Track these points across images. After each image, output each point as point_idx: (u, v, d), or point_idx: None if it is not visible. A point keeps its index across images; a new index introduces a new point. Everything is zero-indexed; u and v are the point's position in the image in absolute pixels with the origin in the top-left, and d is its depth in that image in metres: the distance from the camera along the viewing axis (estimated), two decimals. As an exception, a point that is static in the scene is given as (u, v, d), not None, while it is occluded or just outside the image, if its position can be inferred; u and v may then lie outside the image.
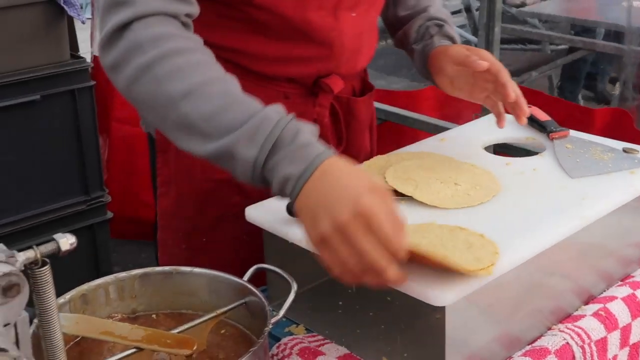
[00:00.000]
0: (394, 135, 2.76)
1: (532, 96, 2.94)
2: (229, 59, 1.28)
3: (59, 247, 0.86)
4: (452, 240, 1.08)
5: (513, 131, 1.53)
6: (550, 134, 1.47)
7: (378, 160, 1.36)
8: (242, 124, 1.03)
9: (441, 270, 1.02)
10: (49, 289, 0.86)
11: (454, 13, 5.72)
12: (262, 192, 1.12)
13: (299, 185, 0.99)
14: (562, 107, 2.88)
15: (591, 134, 1.50)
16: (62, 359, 0.91)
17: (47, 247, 0.85)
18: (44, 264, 0.85)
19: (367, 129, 1.57)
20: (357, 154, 1.51)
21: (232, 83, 1.09)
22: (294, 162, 1.00)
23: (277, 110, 1.05)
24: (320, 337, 1.20)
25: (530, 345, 1.15)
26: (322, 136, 1.22)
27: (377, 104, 2.80)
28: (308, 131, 1.04)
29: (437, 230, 1.11)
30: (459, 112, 2.81)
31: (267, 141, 1.02)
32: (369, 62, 1.52)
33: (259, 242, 1.25)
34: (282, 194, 1.03)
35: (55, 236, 0.86)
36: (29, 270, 0.85)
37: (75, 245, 0.86)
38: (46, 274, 0.85)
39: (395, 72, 6.16)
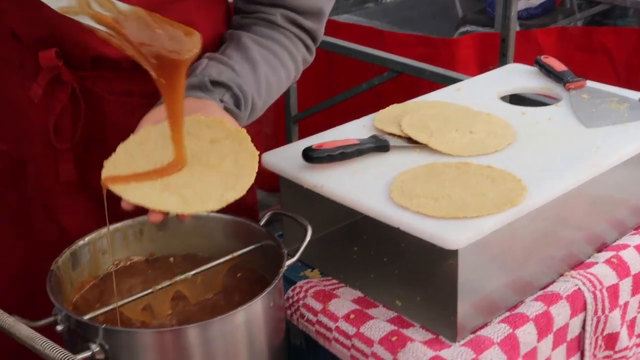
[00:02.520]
0: (413, 86, 2.76)
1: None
2: None
3: None
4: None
5: (529, 81, 1.53)
6: (567, 84, 1.46)
7: (394, 108, 1.36)
8: None
9: (454, 216, 1.04)
10: None
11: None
12: None
13: None
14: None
15: None
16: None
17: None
18: None
19: None
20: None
21: None
22: None
23: None
24: (334, 281, 1.22)
25: (542, 291, 1.17)
26: (57, 124, 1.21)
27: (390, 56, 2.82)
28: None
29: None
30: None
31: None
32: None
33: None
34: None
35: None
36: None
37: None
38: None
39: (411, 26, 6.10)
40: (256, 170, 1.02)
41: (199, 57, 1.20)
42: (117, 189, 0.99)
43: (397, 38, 3.38)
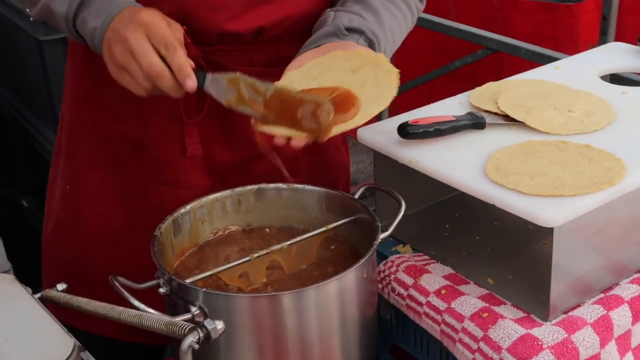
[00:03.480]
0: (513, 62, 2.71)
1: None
2: None
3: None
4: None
5: (631, 60, 1.49)
6: (671, 64, 1.42)
7: (490, 86, 1.35)
8: None
9: (551, 194, 1.03)
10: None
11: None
12: None
13: (101, 34, 1.12)
14: None
15: None
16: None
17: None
18: None
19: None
20: (240, 136, 1.32)
21: None
22: (99, 16, 1.13)
23: None
24: (426, 256, 1.23)
25: (638, 274, 1.15)
26: (185, 99, 1.23)
27: (483, 32, 2.77)
28: None
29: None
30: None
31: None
32: (265, 25, 1.27)
33: None
34: (93, 46, 1.16)
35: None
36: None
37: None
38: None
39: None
40: (397, 85, 1.09)
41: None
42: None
43: (517, 4, 3.29)
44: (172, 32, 1.09)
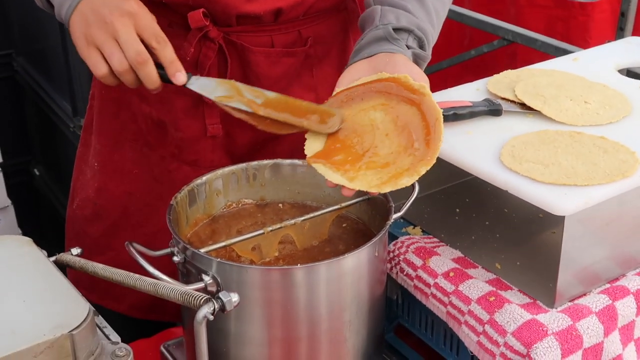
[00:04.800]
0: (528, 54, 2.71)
1: None
2: None
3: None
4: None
5: (649, 55, 1.49)
6: (689, 61, 1.43)
7: (508, 74, 1.36)
8: None
9: (564, 182, 1.04)
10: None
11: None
12: None
13: (72, 6, 1.12)
14: None
15: None
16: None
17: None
18: None
19: (278, 90, 1.27)
20: None
21: None
22: None
23: None
24: (435, 239, 1.24)
25: (645, 266, 1.16)
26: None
27: (500, 23, 2.77)
28: None
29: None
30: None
31: None
32: (284, 6, 1.28)
33: None
34: (58, 14, 1.17)
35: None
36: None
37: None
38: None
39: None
40: (440, 132, 1.03)
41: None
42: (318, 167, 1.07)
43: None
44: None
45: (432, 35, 1.26)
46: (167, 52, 1.10)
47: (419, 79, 1.11)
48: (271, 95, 1.10)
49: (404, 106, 1.07)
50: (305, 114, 1.08)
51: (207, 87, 1.12)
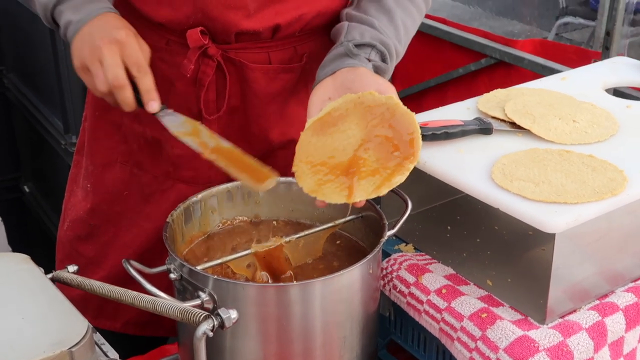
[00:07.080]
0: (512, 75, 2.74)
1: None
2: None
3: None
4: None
5: (636, 75, 1.52)
6: (675, 80, 1.45)
7: (498, 93, 1.39)
8: None
9: (554, 200, 1.06)
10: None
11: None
12: None
13: (76, 29, 1.21)
14: None
15: None
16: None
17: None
18: None
19: (275, 106, 1.40)
20: (258, 132, 1.40)
21: None
22: (77, 12, 1.23)
23: None
24: (427, 256, 1.26)
25: (633, 283, 1.18)
26: (204, 96, 1.33)
27: (490, 42, 2.81)
28: None
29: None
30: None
31: None
32: (283, 23, 1.31)
33: None
34: (64, 36, 1.25)
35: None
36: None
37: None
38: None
39: (509, 14, 6.00)
40: (418, 132, 1.08)
41: (339, 21, 1.32)
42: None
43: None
44: (143, 54, 1.19)
45: (398, 49, 1.30)
46: (146, 81, 1.18)
47: (385, 89, 1.15)
48: (225, 145, 1.17)
49: (377, 119, 1.11)
50: (247, 171, 1.13)
51: (173, 121, 1.20)
